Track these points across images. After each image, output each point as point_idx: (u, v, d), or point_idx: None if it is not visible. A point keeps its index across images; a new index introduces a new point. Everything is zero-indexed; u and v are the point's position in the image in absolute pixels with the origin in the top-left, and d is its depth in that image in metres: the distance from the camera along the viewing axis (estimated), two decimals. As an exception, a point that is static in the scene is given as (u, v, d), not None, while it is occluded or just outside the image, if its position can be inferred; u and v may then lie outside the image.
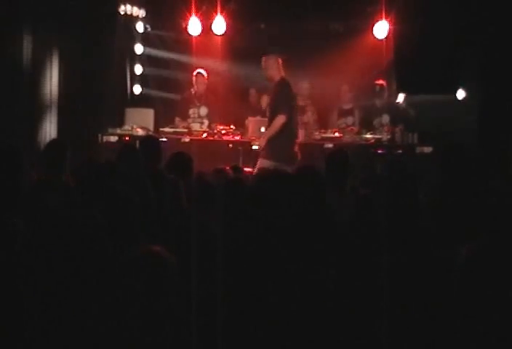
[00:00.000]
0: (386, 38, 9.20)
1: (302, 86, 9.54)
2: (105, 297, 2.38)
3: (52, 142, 5.52)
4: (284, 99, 7.39)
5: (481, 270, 2.43)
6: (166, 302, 2.39)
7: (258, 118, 9.43)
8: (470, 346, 2.41)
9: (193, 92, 9.43)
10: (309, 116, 9.50)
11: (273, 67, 7.61)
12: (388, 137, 8.53)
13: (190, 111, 9.41)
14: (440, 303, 2.93)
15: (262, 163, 7.06)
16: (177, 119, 9.42)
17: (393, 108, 8.96)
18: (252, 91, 9.93)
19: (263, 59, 7.68)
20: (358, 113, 9.27)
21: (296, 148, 7.42)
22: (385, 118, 8.88)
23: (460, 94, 8.79)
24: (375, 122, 8.93)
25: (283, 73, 7.62)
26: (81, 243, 2.40)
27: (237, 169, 5.74)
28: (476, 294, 2.41)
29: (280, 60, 7.65)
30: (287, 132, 7.33)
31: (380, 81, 8.95)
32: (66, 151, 4.87)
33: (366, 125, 8.90)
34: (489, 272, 2.42)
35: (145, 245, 2.55)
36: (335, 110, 9.49)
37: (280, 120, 7.25)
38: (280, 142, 7.25)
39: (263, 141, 7.35)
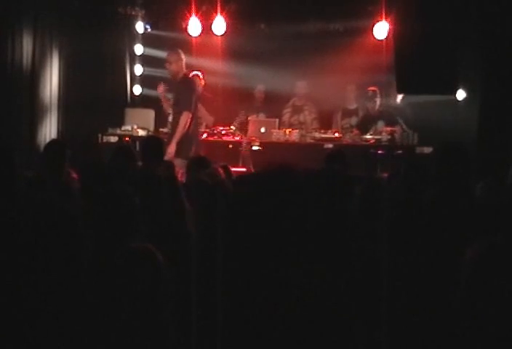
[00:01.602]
0: (386, 38, 9.20)
1: (298, 85, 9.55)
2: (95, 294, 2.38)
3: (52, 142, 5.53)
4: (188, 96, 7.57)
5: (487, 271, 2.42)
6: (155, 299, 2.40)
7: (258, 118, 9.45)
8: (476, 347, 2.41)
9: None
10: (306, 116, 9.50)
11: (178, 63, 7.76)
12: (388, 137, 8.53)
13: None
14: (444, 305, 2.92)
15: (176, 162, 6.98)
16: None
17: (389, 112, 8.95)
18: (260, 87, 9.82)
19: (168, 54, 7.87)
20: (362, 114, 9.28)
21: (198, 144, 7.73)
22: (380, 125, 8.88)
23: (460, 94, 8.78)
24: (371, 131, 8.91)
25: (185, 70, 7.76)
26: (73, 241, 2.41)
27: (225, 168, 5.71)
28: (483, 295, 2.40)
29: (183, 57, 7.81)
30: (191, 129, 7.59)
31: (372, 87, 8.95)
32: (66, 151, 4.88)
33: (364, 132, 8.90)
34: (496, 273, 2.41)
35: (135, 243, 2.55)
36: (339, 110, 9.47)
37: (185, 117, 7.44)
38: (187, 140, 7.39)
39: (173, 146, 7.42)
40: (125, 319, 2.38)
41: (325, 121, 9.54)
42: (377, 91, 8.94)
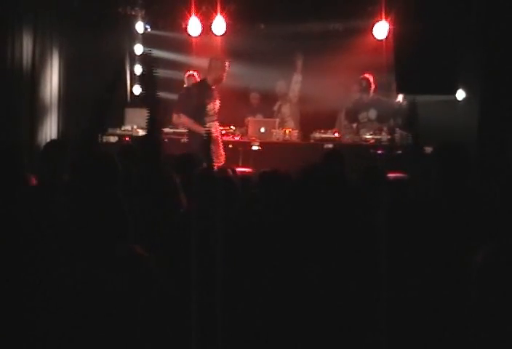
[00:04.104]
0: (386, 38, 9.19)
1: (277, 85, 9.61)
2: (89, 295, 2.38)
3: (52, 142, 5.52)
4: None
5: (499, 274, 2.41)
6: (147, 301, 2.40)
7: (258, 118, 9.46)
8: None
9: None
10: (283, 114, 9.53)
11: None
12: (388, 137, 8.52)
13: (208, 107, 9.42)
14: (444, 306, 2.92)
15: None
16: (175, 116, 9.43)
17: (382, 101, 8.92)
18: (255, 94, 9.90)
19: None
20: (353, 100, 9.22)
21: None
22: (372, 113, 8.85)
23: (460, 94, 8.77)
24: (361, 116, 8.88)
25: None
26: (72, 240, 2.41)
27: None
28: (494, 296, 2.39)
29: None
30: None
31: (366, 75, 8.90)
32: (66, 151, 4.87)
33: (352, 119, 8.89)
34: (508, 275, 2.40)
35: (127, 245, 2.54)
36: (343, 109, 9.43)
37: None
38: None
39: None
40: (118, 322, 2.38)
41: (328, 121, 9.49)
42: (371, 79, 8.87)
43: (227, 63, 7.82)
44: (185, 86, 9.55)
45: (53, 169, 4.68)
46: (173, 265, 2.79)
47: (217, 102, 7.87)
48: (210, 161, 5.03)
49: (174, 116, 9.49)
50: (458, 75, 8.40)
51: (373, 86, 8.86)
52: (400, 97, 9.04)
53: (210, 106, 7.79)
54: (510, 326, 2.37)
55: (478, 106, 8.19)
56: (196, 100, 7.70)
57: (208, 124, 7.67)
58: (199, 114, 7.66)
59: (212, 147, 7.49)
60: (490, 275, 2.42)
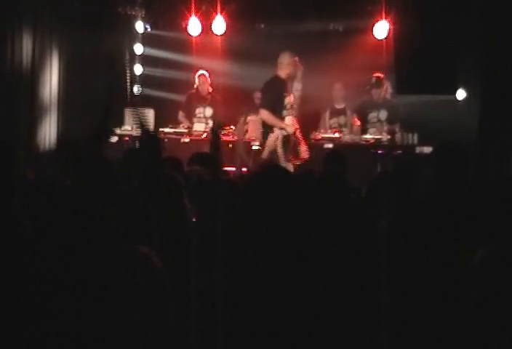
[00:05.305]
0: (386, 38, 9.18)
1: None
2: (92, 296, 2.38)
3: (65, 141, 5.51)
4: None
5: (499, 275, 2.41)
6: (151, 302, 2.39)
7: (259, 117, 9.46)
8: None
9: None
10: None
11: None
12: (388, 137, 8.51)
13: (197, 111, 9.43)
14: (444, 307, 2.92)
15: None
16: (181, 114, 9.43)
17: (393, 103, 8.86)
18: (257, 93, 9.90)
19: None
20: (351, 113, 9.16)
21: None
22: (383, 114, 8.79)
23: (460, 94, 8.78)
24: (371, 116, 8.83)
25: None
26: (75, 242, 2.41)
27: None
28: (493, 298, 2.39)
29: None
30: None
31: (378, 74, 8.80)
32: (78, 151, 4.87)
33: (363, 117, 8.84)
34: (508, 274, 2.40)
35: (133, 246, 2.55)
36: (327, 109, 9.38)
37: None
38: None
39: None
40: (120, 322, 2.38)
41: (314, 121, 9.45)
42: (383, 78, 8.80)
43: (296, 58, 7.80)
44: (195, 85, 9.52)
45: (62, 168, 4.68)
46: (175, 265, 2.79)
47: (292, 97, 7.80)
48: (219, 161, 5.02)
49: (180, 114, 9.50)
50: (458, 75, 8.42)
51: (385, 86, 8.78)
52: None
53: (287, 99, 7.72)
54: (510, 325, 2.37)
55: (478, 106, 8.19)
56: (274, 94, 7.66)
57: (286, 118, 7.64)
58: (278, 108, 7.63)
59: (291, 143, 7.55)
60: (490, 275, 2.42)
